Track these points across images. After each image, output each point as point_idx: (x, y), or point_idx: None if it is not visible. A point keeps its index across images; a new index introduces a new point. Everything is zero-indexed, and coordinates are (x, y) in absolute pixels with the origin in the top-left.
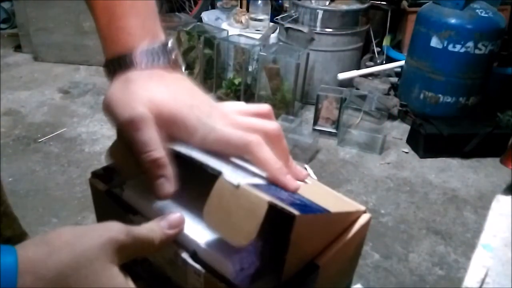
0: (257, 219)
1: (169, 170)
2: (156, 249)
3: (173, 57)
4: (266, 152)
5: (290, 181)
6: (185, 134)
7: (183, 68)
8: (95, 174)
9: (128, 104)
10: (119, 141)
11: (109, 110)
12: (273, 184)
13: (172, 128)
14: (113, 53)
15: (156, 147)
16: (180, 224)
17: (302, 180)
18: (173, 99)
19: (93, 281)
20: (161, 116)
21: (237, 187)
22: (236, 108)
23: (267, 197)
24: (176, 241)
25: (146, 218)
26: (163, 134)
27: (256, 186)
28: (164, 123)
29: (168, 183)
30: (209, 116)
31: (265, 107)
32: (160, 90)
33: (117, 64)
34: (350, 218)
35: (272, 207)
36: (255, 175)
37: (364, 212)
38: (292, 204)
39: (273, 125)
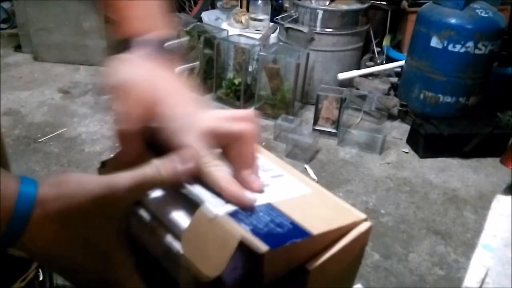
0: (227, 252)
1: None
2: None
3: (171, 54)
4: (214, 171)
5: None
6: (160, 121)
7: (182, 66)
8: (104, 164)
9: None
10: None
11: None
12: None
13: (153, 110)
14: (121, 35)
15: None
16: (194, 157)
17: (258, 191)
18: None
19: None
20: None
21: (214, 218)
22: (216, 114)
23: (240, 230)
24: (173, 232)
25: (146, 206)
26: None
27: (235, 214)
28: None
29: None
30: (188, 116)
31: (248, 112)
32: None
33: (121, 46)
34: (343, 230)
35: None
36: None
37: (365, 220)
38: (267, 235)
39: (245, 126)
